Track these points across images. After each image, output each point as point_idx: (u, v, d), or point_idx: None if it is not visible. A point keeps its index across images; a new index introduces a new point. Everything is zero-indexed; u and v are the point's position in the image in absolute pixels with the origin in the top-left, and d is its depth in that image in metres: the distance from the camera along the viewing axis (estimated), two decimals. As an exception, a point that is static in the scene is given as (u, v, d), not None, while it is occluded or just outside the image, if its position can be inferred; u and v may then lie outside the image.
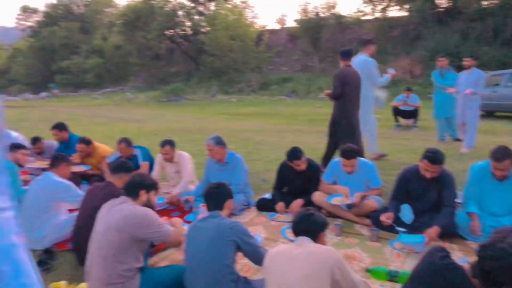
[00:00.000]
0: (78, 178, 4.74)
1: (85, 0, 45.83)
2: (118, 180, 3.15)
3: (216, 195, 2.60)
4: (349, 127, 5.19)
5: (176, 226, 2.85)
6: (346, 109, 5.22)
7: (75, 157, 5.10)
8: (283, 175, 4.31)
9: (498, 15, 19.75)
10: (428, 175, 3.34)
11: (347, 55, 5.32)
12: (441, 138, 7.67)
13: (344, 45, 29.21)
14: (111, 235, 2.43)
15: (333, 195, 3.89)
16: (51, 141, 5.83)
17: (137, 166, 4.81)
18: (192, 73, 32.15)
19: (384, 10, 26.18)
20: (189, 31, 33.73)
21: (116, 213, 2.49)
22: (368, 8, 26.99)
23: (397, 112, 10.33)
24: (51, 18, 44.02)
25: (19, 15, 46.58)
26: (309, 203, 3.97)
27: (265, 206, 4.24)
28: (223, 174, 4.29)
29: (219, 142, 4.24)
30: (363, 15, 27.46)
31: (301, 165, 4.07)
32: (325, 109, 16.81)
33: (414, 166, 3.54)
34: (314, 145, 7.97)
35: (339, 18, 28.53)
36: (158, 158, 4.77)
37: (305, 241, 2.16)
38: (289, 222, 3.88)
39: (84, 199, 3.23)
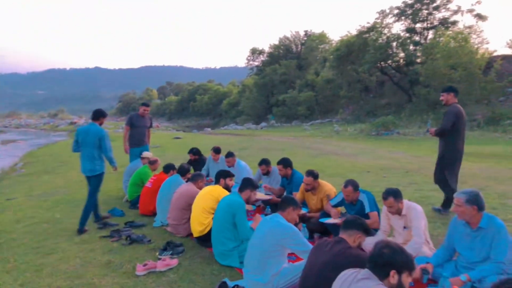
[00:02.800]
0: (298, 220, 4.52)
1: (303, 38, 50.02)
2: (349, 238, 2.67)
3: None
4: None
5: None
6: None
7: (296, 195, 4.99)
8: None
9: None
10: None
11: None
12: None
13: None
14: None
15: None
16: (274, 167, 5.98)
17: (362, 213, 4.28)
18: (403, 106, 30.32)
19: None
20: (402, 62, 32.20)
21: None
22: None
23: None
24: (273, 57, 49.84)
25: (248, 56, 54.46)
26: None
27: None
28: (475, 242, 3.26)
29: (474, 201, 3.24)
30: None
31: None
32: None
33: None
34: None
35: None
36: (384, 209, 4.07)
37: None
38: None
39: (313, 253, 2.86)
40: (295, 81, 42.63)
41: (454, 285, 2.79)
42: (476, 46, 27.61)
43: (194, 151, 7.67)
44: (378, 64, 32.54)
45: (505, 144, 15.76)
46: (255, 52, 53.80)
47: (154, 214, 5.69)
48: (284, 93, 41.56)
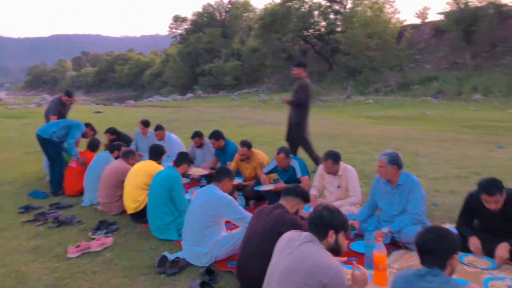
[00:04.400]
0: (233, 189, 4.62)
1: (227, 6, 49.14)
2: (288, 205, 2.81)
3: (437, 249, 1.97)
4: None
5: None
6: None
7: (231, 165, 5.07)
8: (473, 209, 3.39)
9: None
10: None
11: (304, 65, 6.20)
12: None
13: (505, 38, 25.11)
14: (296, 282, 2.04)
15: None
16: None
17: (294, 178, 4.49)
18: (325, 74, 31.59)
19: None
20: (324, 31, 33.26)
21: (304, 257, 2.09)
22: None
23: None
24: (197, 25, 48.46)
25: (171, 24, 52.36)
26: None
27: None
28: (394, 198, 3.63)
29: (394, 161, 3.57)
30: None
31: (490, 205, 3.10)
32: (485, 113, 14.49)
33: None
34: (487, 160, 6.65)
35: (499, 7, 24.61)
36: (320, 169, 4.36)
37: None
38: (489, 269, 3.06)
39: (253, 220, 2.97)
40: (221, 50, 42.06)
41: (378, 237, 3.09)
42: (389, 15, 29.38)
43: (112, 131, 7.14)
44: (301, 33, 33.26)
45: (414, 107, 17.29)
46: (178, 19, 51.81)
47: (81, 194, 5.41)
48: (210, 62, 40.89)
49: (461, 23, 25.36)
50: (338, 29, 32.30)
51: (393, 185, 3.64)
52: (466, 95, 20.11)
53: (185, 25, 51.52)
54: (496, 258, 3.05)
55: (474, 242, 3.23)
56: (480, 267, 3.09)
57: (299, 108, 5.99)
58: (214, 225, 3.37)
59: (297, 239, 2.20)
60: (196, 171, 5.47)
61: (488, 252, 3.17)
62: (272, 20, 33.93)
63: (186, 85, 43.73)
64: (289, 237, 2.27)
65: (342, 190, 4.21)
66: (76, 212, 4.83)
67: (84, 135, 6.07)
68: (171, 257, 3.38)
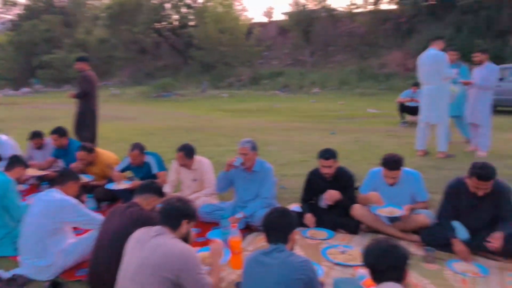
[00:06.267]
0: (81, 191, 4.24)
1: (67, -8, 44.36)
2: (144, 202, 2.71)
3: (280, 225, 2.17)
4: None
5: (215, 264, 2.37)
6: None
7: (75, 166, 4.61)
8: (312, 185, 3.89)
9: (491, 8, 19.63)
10: (480, 192, 3.00)
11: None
12: (467, 136, 6.94)
13: (335, 38, 28.91)
14: (149, 275, 2.00)
15: (377, 206, 3.49)
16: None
17: (150, 175, 4.35)
18: (180, 68, 31.41)
19: (376, 3, 25.88)
20: (177, 24, 32.95)
21: (154, 249, 2.05)
22: (360, 1, 26.73)
23: (403, 109, 9.98)
24: (32, 11, 42.50)
25: (-2, 7, 44.76)
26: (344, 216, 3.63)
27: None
28: (250, 184, 3.87)
29: (255, 148, 3.82)
30: (356, 8, 27.14)
31: (325, 169, 3.65)
32: (322, 104, 16.49)
33: (460, 180, 3.18)
34: (324, 144, 7.57)
35: (330, 11, 28.13)
36: (174, 164, 4.33)
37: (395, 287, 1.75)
38: (326, 239, 3.52)
39: (106, 221, 2.77)
40: (63, 40, 37.83)
41: (232, 223, 3.25)
42: (238, 13, 30.77)
43: None
44: (154, 26, 32.31)
45: (265, 100, 18.56)
46: (7, 3, 44.56)
47: None
48: (50, 53, 36.42)
49: (301, 24, 28.16)
50: (191, 23, 32.39)
51: (249, 171, 3.87)
52: (307, 89, 22.49)
53: (17, 10, 44.68)
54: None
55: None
56: (319, 238, 3.53)
57: (85, 100, 6.47)
58: (58, 233, 3.04)
59: (148, 235, 2.16)
60: (33, 171, 4.83)
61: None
62: (121, 10, 32.01)
63: (20, 79, 38.01)
64: (139, 234, 2.21)
65: (198, 183, 4.27)
66: None
67: None
68: (7, 275, 2.94)
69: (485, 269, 2.90)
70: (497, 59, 15.68)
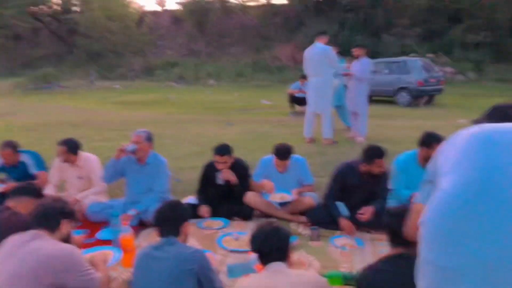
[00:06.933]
0: None
1: None
2: (19, 206, 2.46)
3: (171, 218, 2.15)
4: None
5: (99, 265, 2.27)
6: None
7: None
8: (208, 177, 3.93)
9: (367, 7, 21.84)
10: (376, 170, 3.29)
11: None
12: (347, 124, 7.66)
13: (229, 30, 29.25)
14: (25, 285, 1.82)
15: (268, 193, 3.67)
16: None
17: (27, 175, 3.93)
18: (64, 57, 28.68)
19: (268, -3, 26.86)
20: (58, 9, 29.95)
21: (30, 254, 1.86)
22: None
23: (293, 99, 10.60)
24: None
25: None
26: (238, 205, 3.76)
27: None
28: (143, 177, 3.72)
29: (150, 138, 3.68)
30: (248, 1, 27.78)
31: (221, 165, 3.73)
32: (218, 96, 16.61)
33: (347, 164, 3.54)
34: (221, 136, 7.67)
35: (224, 3, 28.34)
36: (56, 161, 3.98)
37: (280, 266, 1.88)
38: (222, 228, 3.59)
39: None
40: None
41: (124, 221, 3.11)
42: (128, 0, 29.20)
43: None
44: (29, 9, 28.88)
45: (159, 92, 18.02)
46: None
47: None
48: None
49: (195, 14, 27.84)
50: (77, 9, 29.74)
51: (141, 163, 3.73)
52: (203, 80, 22.43)
53: None
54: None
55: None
56: (214, 228, 3.59)
57: None
58: None
59: (20, 240, 1.96)
60: None
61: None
62: (-13, -11, 27.97)
63: None
64: (12, 241, 1.99)
65: (85, 181, 3.98)
66: None
67: None
68: None
69: (361, 242, 3.25)
70: (372, 54, 17.65)
